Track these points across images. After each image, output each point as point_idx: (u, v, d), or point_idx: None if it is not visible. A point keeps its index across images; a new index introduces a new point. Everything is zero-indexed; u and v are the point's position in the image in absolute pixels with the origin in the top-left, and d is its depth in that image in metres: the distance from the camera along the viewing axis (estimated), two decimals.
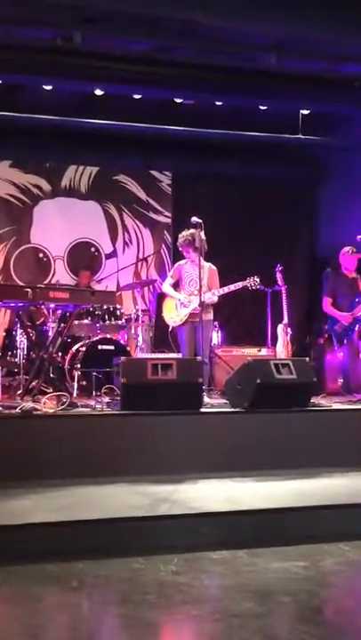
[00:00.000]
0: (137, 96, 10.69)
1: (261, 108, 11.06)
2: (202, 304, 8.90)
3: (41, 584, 4.87)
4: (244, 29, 9.20)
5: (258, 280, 9.45)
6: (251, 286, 9.43)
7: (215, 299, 9.25)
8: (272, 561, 5.31)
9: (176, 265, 9.61)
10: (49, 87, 10.34)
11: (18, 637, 4.07)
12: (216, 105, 11.07)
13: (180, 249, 9.44)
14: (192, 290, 9.16)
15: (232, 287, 9.28)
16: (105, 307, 9.99)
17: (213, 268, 9.42)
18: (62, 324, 8.90)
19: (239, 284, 9.33)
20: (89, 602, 4.75)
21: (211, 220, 9.27)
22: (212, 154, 12.39)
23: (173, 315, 9.37)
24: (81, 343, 9.67)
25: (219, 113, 11.28)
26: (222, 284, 9.34)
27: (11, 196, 12.25)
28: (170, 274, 9.69)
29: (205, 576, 5.05)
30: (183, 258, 9.53)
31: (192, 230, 9.13)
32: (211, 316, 9.38)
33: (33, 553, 5.25)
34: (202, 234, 9.07)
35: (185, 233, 9.30)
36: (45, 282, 11.95)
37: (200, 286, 8.78)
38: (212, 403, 8.34)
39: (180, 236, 9.41)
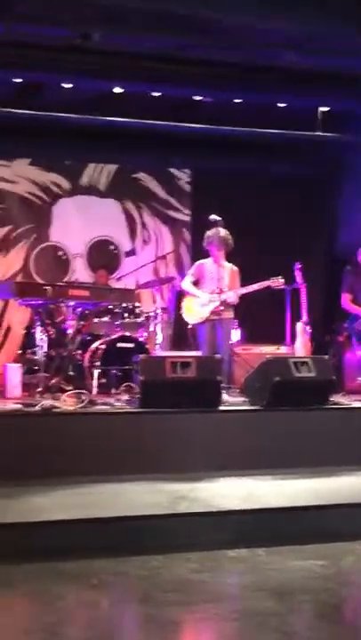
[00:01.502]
0: (156, 94, 10.69)
1: (280, 105, 11.04)
2: (223, 303, 8.88)
3: (60, 582, 4.88)
4: (262, 26, 9.17)
5: (282, 280, 9.41)
6: (275, 287, 9.39)
7: (236, 299, 9.23)
8: (291, 559, 5.31)
9: (197, 263, 9.59)
10: (68, 85, 10.36)
11: (38, 635, 4.09)
12: (235, 102, 11.05)
13: (207, 248, 9.41)
14: (213, 288, 9.14)
15: (255, 287, 9.23)
16: (124, 304, 9.99)
17: (235, 268, 9.40)
18: (81, 322, 8.93)
19: (264, 284, 9.29)
20: (108, 600, 4.77)
21: (230, 217, 9.25)
22: (231, 151, 12.36)
23: (194, 313, 9.35)
24: (100, 341, 9.67)
25: (237, 110, 11.26)
26: (242, 282, 9.33)
27: (30, 194, 12.28)
28: (190, 272, 9.67)
29: (224, 574, 5.06)
30: (203, 256, 9.51)
31: (214, 229, 9.12)
32: (231, 314, 9.37)
33: (52, 550, 5.28)
34: (221, 231, 9.07)
35: (207, 233, 9.29)
36: (65, 280, 11.97)
37: (218, 285, 8.79)
38: (231, 401, 8.33)
39: (205, 236, 9.39)
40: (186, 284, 9.55)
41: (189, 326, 9.60)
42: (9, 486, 6.40)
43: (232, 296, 9.16)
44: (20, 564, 5.10)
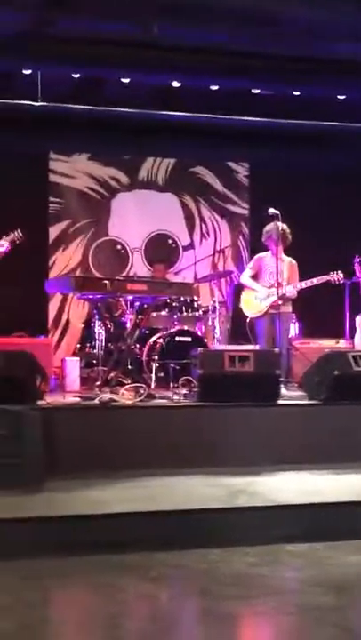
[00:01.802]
0: (214, 87, 10.70)
1: (339, 97, 10.98)
2: (282, 297, 8.87)
3: (120, 574, 4.92)
4: (323, 19, 9.12)
5: (342, 275, 9.35)
6: (334, 281, 9.34)
7: (295, 293, 9.20)
8: (349, 554, 5.29)
9: (256, 257, 9.57)
10: (127, 80, 10.40)
11: (98, 627, 4.13)
12: (294, 94, 11.00)
13: (265, 243, 9.39)
14: (272, 282, 9.11)
15: (315, 281, 9.19)
16: (182, 298, 10.01)
17: (294, 262, 9.37)
18: (140, 316, 8.96)
19: (323, 278, 9.24)
20: (167, 593, 4.79)
21: (288, 210, 9.21)
22: (290, 144, 12.31)
23: (252, 306, 9.33)
24: (158, 335, 9.71)
25: (296, 102, 11.21)
26: (301, 276, 9.30)
27: (89, 188, 12.36)
28: (249, 265, 9.66)
29: (283, 568, 5.06)
30: (262, 250, 9.50)
31: (272, 223, 9.10)
32: (290, 308, 9.34)
33: (112, 543, 5.32)
34: (280, 225, 9.05)
35: (266, 227, 9.27)
36: (123, 274, 12.02)
37: (277, 279, 8.76)
38: (290, 395, 8.30)
39: (263, 230, 9.36)
40: (245, 277, 9.54)
41: (248, 320, 9.59)
42: (68, 479, 6.46)
43: (291, 290, 9.14)
44: (80, 557, 5.15)
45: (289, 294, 9.13)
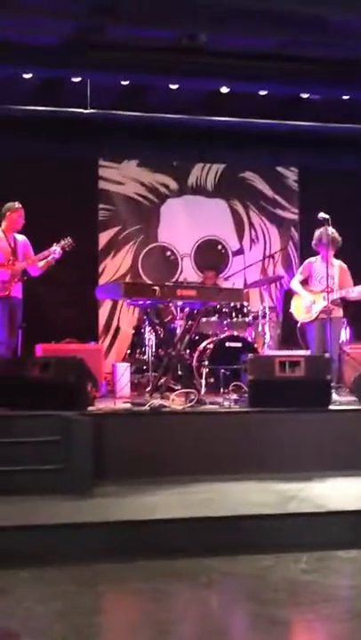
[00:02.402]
0: (263, 92, 10.68)
1: None
2: (334, 302, 8.83)
3: (171, 580, 4.92)
4: None
5: None
6: None
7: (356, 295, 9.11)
8: None
9: (306, 262, 9.52)
10: (175, 86, 10.43)
11: (148, 632, 4.13)
12: (343, 99, 10.94)
13: (316, 248, 9.33)
14: (323, 287, 9.05)
15: None
16: (232, 304, 10.00)
17: (344, 265, 9.31)
18: (190, 322, 8.97)
19: None
20: (218, 599, 4.78)
21: (338, 215, 9.16)
22: (340, 149, 12.26)
23: (303, 312, 9.28)
24: (208, 340, 9.71)
25: (345, 107, 11.15)
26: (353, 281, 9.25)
27: (138, 195, 12.40)
28: (299, 270, 9.61)
29: (335, 575, 5.01)
30: (312, 254, 9.45)
31: (322, 228, 9.06)
32: (340, 313, 9.28)
33: (163, 549, 5.31)
34: (330, 230, 9.00)
35: (316, 232, 9.21)
36: (173, 280, 12.04)
37: (328, 284, 8.71)
38: (341, 400, 8.24)
39: (314, 235, 9.31)
40: (295, 283, 9.50)
41: (299, 325, 9.54)
42: (120, 485, 6.48)
43: (357, 291, 9.04)
44: (131, 562, 5.16)
45: (353, 296, 9.03)
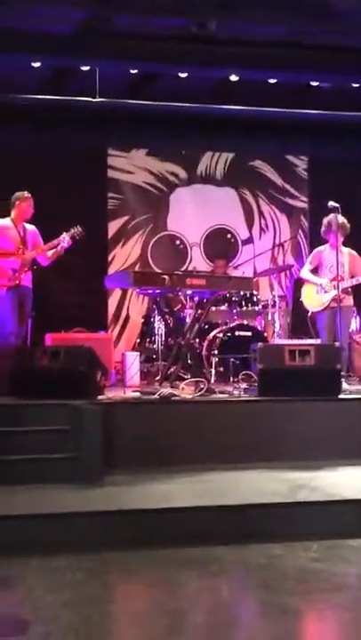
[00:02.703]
0: (272, 80, 10.63)
1: None
2: (344, 290, 8.81)
3: (181, 568, 4.92)
4: None
5: None
6: None
7: None
8: None
9: (315, 250, 9.50)
10: (184, 75, 10.39)
11: (158, 621, 4.13)
12: (353, 87, 10.90)
13: (325, 237, 9.31)
14: (333, 275, 9.02)
15: None
16: (242, 293, 9.98)
17: (354, 253, 9.29)
18: (199, 311, 8.96)
19: None
20: (228, 587, 4.78)
21: (348, 204, 9.14)
22: (349, 137, 12.22)
23: (314, 300, 9.26)
24: (218, 329, 9.70)
25: (355, 95, 11.11)
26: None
27: (148, 184, 12.38)
28: (309, 259, 9.59)
29: (345, 564, 5.01)
30: (321, 243, 9.42)
31: (332, 216, 9.03)
32: (351, 301, 9.26)
33: (173, 537, 5.32)
34: (339, 217, 8.97)
35: (325, 220, 9.19)
36: (182, 269, 12.02)
37: (338, 272, 8.69)
38: (351, 389, 8.23)
39: (323, 223, 9.28)
40: (305, 271, 9.48)
41: (309, 314, 9.53)
42: (129, 473, 6.49)
43: None
44: (141, 551, 5.16)
45: None
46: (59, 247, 9.19)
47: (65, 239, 9.17)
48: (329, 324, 9.13)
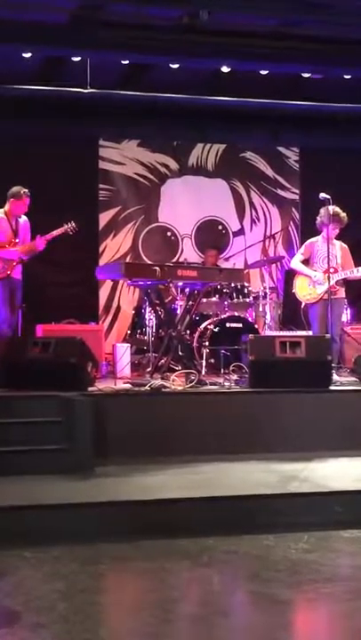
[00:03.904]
0: (264, 72, 10.61)
1: None
2: (337, 282, 8.82)
3: (172, 558, 4.94)
4: None
5: None
6: None
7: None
8: None
9: (308, 242, 9.48)
10: (175, 66, 10.36)
11: (151, 611, 4.14)
12: (344, 78, 10.89)
13: (320, 228, 9.28)
14: (325, 267, 9.02)
15: None
16: (233, 284, 9.97)
17: (344, 245, 9.29)
18: (190, 302, 8.95)
19: None
20: (219, 577, 4.79)
21: (338, 195, 9.13)
22: (341, 129, 12.21)
23: (307, 292, 9.24)
24: (209, 321, 9.70)
25: (346, 87, 11.10)
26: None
27: (139, 175, 12.35)
28: (300, 250, 9.58)
29: (336, 555, 5.03)
30: (313, 235, 9.42)
31: (323, 208, 9.03)
32: (343, 293, 9.26)
33: (165, 528, 5.33)
34: (330, 208, 8.96)
35: (320, 212, 9.17)
36: (173, 260, 12.01)
37: (330, 264, 8.70)
38: (342, 380, 8.25)
39: (318, 215, 9.26)
40: (295, 262, 9.46)
41: (303, 305, 9.53)
42: (120, 465, 6.50)
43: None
44: (133, 542, 5.18)
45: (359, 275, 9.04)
46: (35, 247, 9.25)
47: (42, 242, 9.24)
48: (322, 315, 9.12)
